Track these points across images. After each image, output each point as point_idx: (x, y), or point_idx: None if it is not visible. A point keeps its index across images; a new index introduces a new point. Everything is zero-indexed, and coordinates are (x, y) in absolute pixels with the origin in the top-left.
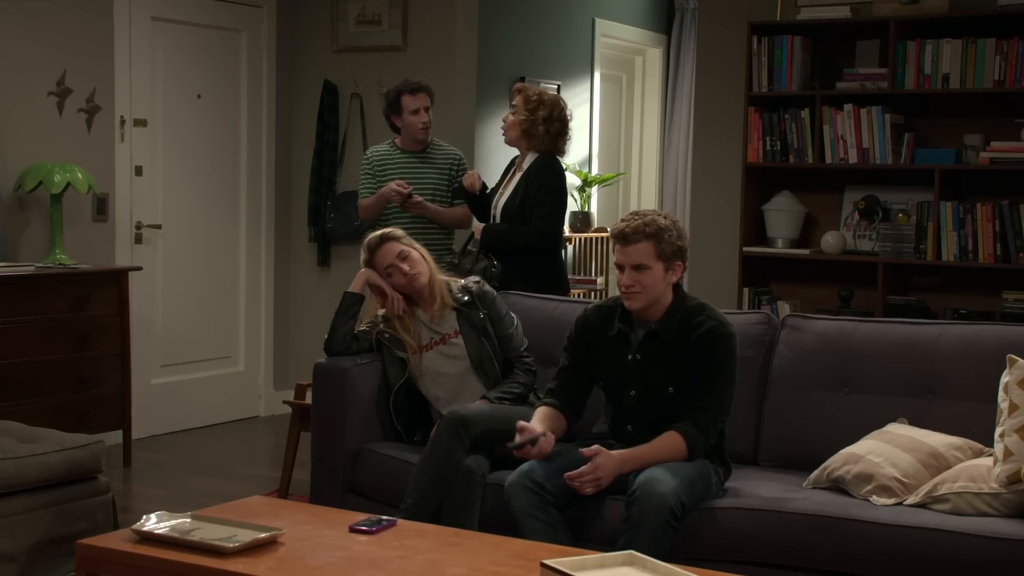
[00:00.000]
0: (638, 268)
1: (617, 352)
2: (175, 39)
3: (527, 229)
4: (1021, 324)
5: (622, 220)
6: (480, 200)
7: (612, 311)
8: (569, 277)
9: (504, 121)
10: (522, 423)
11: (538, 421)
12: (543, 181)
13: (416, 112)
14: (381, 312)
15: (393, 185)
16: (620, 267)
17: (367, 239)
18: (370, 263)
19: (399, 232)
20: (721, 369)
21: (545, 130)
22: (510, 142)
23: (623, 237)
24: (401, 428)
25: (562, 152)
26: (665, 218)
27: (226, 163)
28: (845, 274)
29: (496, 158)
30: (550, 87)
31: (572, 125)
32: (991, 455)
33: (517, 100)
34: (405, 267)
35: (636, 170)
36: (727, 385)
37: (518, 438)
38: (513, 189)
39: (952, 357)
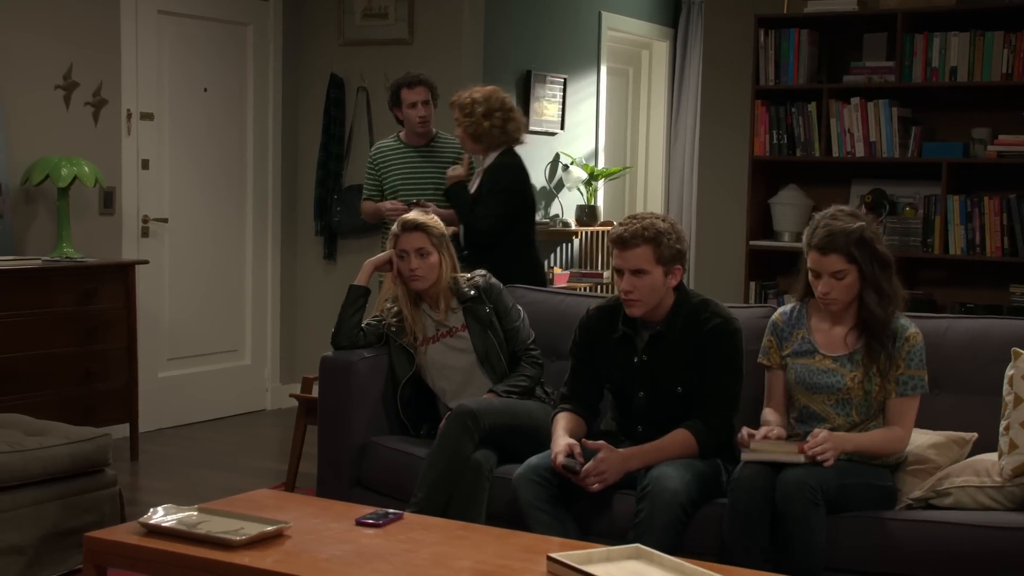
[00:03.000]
0: (637, 273)
1: (623, 355)
2: (181, 32)
3: (473, 221)
4: None
5: (620, 224)
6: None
7: (614, 312)
8: (576, 271)
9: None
10: (571, 449)
11: (561, 431)
12: (496, 180)
13: (414, 106)
14: (388, 306)
15: (388, 205)
16: (619, 272)
17: (407, 214)
18: (396, 237)
19: (438, 227)
20: (728, 365)
21: (490, 125)
22: (471, 151)
23: (621, 242)
24: (407, 422)
25: (517, 141)
26: (663, 221)
27: (232, 157)
28: None
29: None
30: (556, 80)
31: (522, 111)
32: (970, 440)
33: (456, 113)
34: (415, 264)
35: (642, 164)
36: (735, 381)
37: (563, 459)
38: (476, 188)
39: (959, 351)
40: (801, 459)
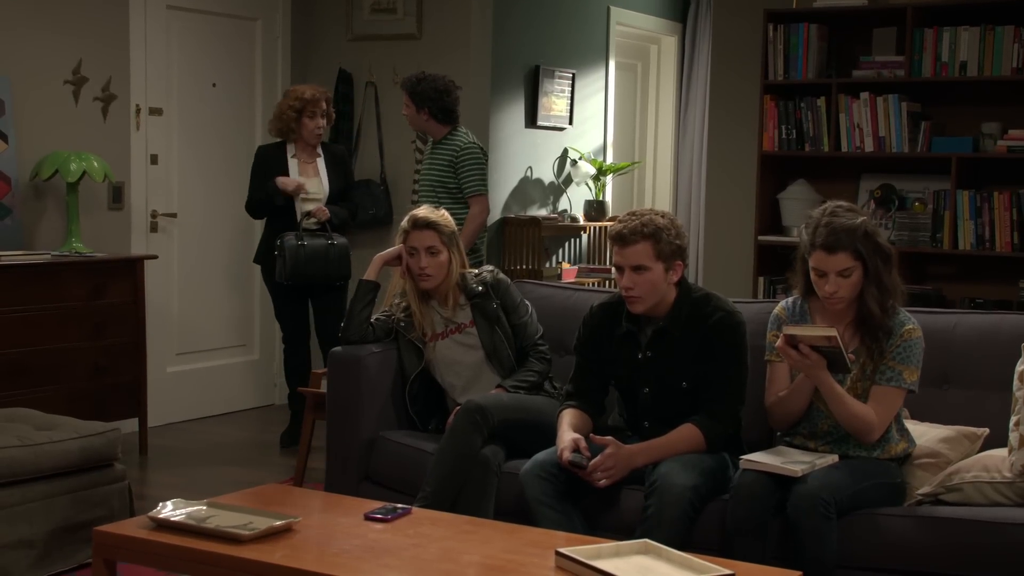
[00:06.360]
0: (638, 269)
1: (627, 351)
2: (190, 27)
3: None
4: None
5: (619, 221)
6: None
7: (617, 308)
8: (584, 266)
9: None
10: (576, 443)
11: (567, 426)
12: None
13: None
14: (397, 301)
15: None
16: (619, 268)
17: (418, 210)
18: (406, 233)
19: (449, 225)
20: (733, 359)
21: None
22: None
23: (621, 238)
24: (416, 416)
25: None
26: (663, 217)
27: (241, 152)
28: None
29: (511, 146)
30: (564, 75)
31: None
32: (981, 435)
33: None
34: (424, 262)
35: (651, 159)
36: (740, 374)
37: (569, 455)
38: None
39: (968, 347)
40: (798, 473)
